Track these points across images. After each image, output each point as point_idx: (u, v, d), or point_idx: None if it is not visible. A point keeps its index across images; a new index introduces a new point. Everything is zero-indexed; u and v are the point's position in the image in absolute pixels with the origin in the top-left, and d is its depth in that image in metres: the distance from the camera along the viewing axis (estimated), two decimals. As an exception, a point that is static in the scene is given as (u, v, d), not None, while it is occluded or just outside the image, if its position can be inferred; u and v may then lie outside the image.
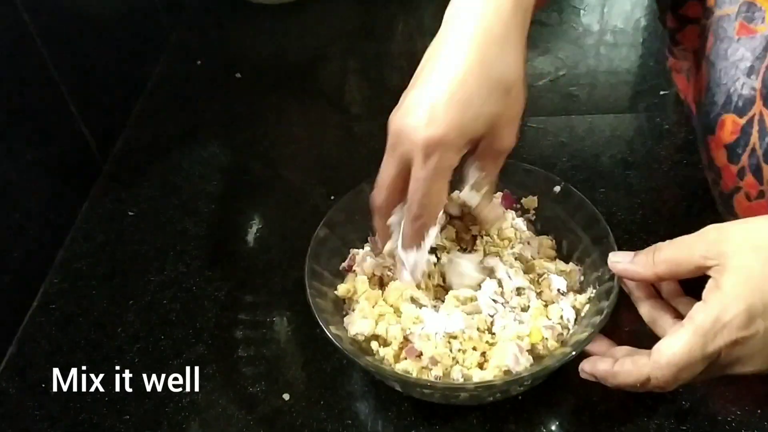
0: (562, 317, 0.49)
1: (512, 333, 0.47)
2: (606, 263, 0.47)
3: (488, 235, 0.53)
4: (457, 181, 0.49)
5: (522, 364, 0.46)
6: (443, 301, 0.50)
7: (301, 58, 0.87)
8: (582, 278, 0.52)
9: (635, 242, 0.58)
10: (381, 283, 0.53)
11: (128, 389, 0.53)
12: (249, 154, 0.73)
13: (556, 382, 0.48)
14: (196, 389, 0.52)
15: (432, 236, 0.47)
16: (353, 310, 0.51)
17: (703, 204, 0.57)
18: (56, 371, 0.54)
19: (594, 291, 0.50)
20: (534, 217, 0.57)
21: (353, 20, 0.93)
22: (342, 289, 0.52)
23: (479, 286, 0.50)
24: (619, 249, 0.48)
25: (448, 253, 0.52)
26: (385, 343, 0.49)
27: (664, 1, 0.61)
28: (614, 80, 0.79)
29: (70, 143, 0.69)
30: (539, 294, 0.51)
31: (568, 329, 0.49)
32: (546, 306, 0.50)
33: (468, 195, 0.49)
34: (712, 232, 0.42)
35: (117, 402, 0.52)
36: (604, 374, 0.44)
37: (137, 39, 0.84)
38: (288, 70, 0.85)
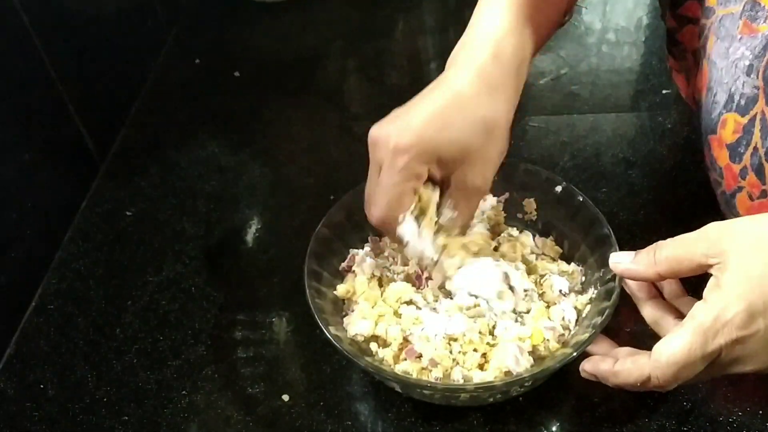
0: (563, 318, 0.49)
1: (513, 334, 0.47)
2: (607, 264, 0.47)
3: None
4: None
5: (522, 365, 0.46)
6: (438, 301, 0.50)
7: (300, 57, 0.87)
8: (583, 279, 0.52)
9: (637, 242, 0.58)
10: (380, 283, 0.52)
11: (127, 390, 0.53)
12: (248, 154, 0.73)
13: (557, 383, 0.47)
14: (195, 390, 0.52)
15: (409, 224, 0.47)
16: (353, 311, 0.51)
17: (705, 203, 0.57)
18: (54, 372, 0.54)
19: (595, 292, 0.50)
20: (535, 217, 0.57)
21: (353, 19, 0.92)
22: (341, 290, 0.52)
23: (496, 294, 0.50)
24: (621, 249, 0.47)
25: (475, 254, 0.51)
26: (384, 344, 0.49)
27: (666, 0, 0.61)
28: (616, 79, 0.79)
29: (68, 143, 0.68)
30: (541, 295, 0.51)
31: (570, 330, 0.49)
32: (548, 307, 0.50)
33: (436, 238, 0.49)
34: (713, 230, 0.42)
35: (116, 403, 0.52)
36: (605, 374, 0.44)
37: (135, 38, 0.83)
38: (287, 69, 0.85)
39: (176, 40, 0.90)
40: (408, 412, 0.50)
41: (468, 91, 0.47)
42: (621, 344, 0.46)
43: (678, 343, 0.40)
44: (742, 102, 0.48)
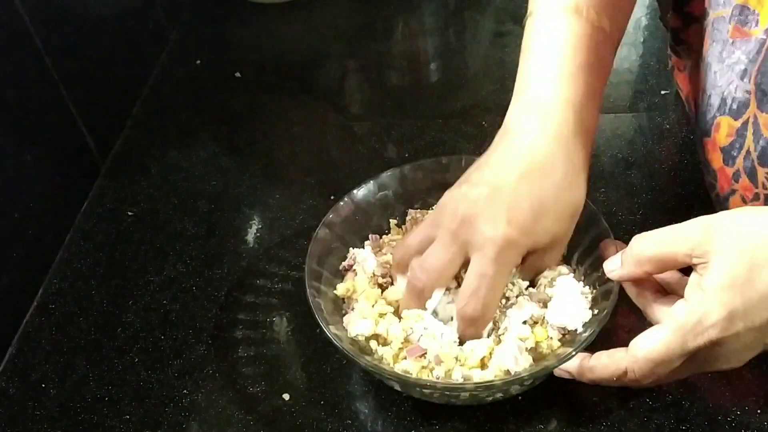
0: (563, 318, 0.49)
1: (513, 334, 0.47)
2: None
3: None
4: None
5: (522, 364, 0.46)
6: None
7: (301, 58, 0.87)
8: (583, 279, 0.52)
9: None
10: (380, 285, 0.53)
11: (128, 389, 0.53)
12: (249, 154, 0.73)
13: (557, 382, 0.47)
14: (196, 389, 0.52)
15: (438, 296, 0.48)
16: (353, 310, 0.51)
17: (703, 204, 0.57)
18: (56, 371, 0.54)
19: (594, 291, 0.50)
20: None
21: (353, 20, 0.92)
22: (341, 289, 0.52)
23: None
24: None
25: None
26: (384, 343, 0.49)
27: (666, 1, 0.61)
28: (615, 79, 0.79)
29: (70, 143, 0.69)
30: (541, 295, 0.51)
31: (568, 329, 0.49)
32: (547, 306, 0.50)
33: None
34: (697, 228, 0.41)
35: (117, 402, 0.52)
36: (581, 369, 0.44)
37: (136, 38, 0.84)
38: (288, 70, 0.85)
39: (177, 40, 0.90)
40: (408, 411, 0.50)
41: (561, 178, 0.46)
42: (620, 344, 0.46)
43: (657, 340, 0.40)
44: (735, 106, 0.48)
